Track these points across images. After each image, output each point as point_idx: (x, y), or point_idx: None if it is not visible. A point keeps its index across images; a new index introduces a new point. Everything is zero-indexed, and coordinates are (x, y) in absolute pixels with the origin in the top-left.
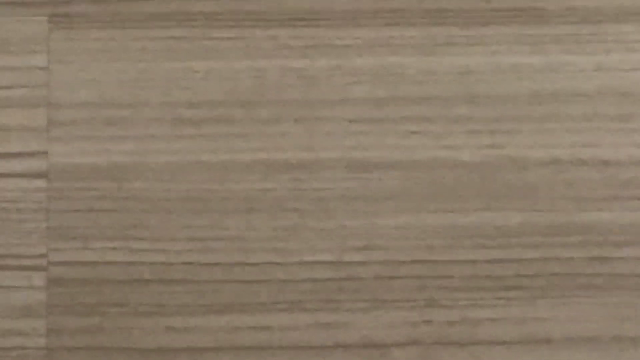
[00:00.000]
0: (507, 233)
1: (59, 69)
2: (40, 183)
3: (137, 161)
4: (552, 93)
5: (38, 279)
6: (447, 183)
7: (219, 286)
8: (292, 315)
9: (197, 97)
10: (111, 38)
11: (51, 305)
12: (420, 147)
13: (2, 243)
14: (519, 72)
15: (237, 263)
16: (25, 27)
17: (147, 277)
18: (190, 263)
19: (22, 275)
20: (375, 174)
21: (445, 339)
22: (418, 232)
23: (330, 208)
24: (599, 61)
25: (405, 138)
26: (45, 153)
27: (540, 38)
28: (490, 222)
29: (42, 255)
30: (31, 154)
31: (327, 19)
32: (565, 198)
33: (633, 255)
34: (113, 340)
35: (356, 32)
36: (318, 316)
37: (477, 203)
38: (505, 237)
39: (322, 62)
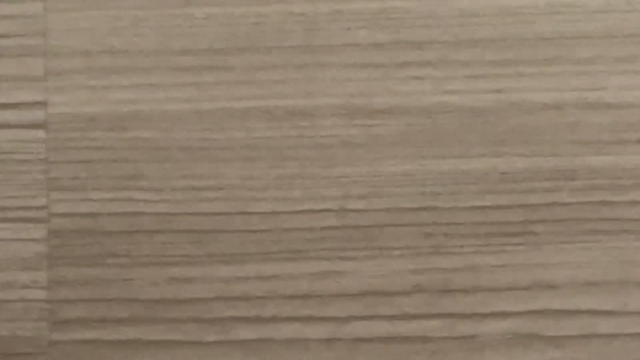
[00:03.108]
0: (512, 178)
1: (55, 17)
2: (39, 134)
3: (135, 110)
4: (556, 36)
5: (38, 231)
6: (451, 129)
7: (221, 236)
8: (295, 264)
9: (195, 44)
10: None
11: (52, 257)
12: (422, 93)
13: (1, 195)
14: (522, 14)
15: (238, 212)
16: None
17: (148, 227)
18: (191, 213)
19: (22, 228)
20: (378, 120)
21: (450, 286)
22: (421, 179)
23: (332, 155)
24: (603, 2)
25: (408, 83)
26: (43, 103)
27: None
28: (494, 167)
29: (42, 207)
30: (29, 105)
31: None
32: (571, 142)
33: (638, 199)
34: (115, 292)
35: None
36: (321, 265)
37: (481, 148)
38: (510, 182)
39: (323, 7)
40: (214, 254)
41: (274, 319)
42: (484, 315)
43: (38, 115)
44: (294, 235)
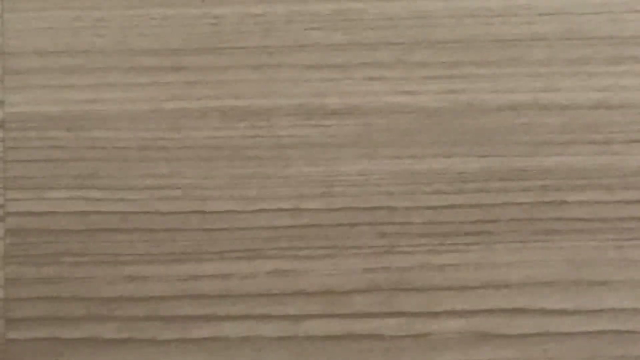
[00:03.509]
0: (466, 178)
1: (12, 17)
2: None
3: (93, 109)
4: (511, 37)
5: None
6: (406, 129)
7: (178, 235)
8: (251, 263)
9: (153, 44)
10: None
11: (9, 256)
12: (378, 93)
13: None
14: (478, 16)
15: (195, 211)
16: None
17: (105, 226)
18: (148, 212)
19: None
20: (334, 121)
21: (405, 285)
22: (377, 179)
23: (288, 155)
24: (558, 5)
25: (364, 84)
26: (1, 102)
27: None
28: (449, 167)
29: None
30: None
31: None
32: (524, 143)
33: (591, 199)
34: (72, 290)
35: None
36: (278, 264)
37: (436, 149)
38: (464, 182)
39: (280, 8)
40: (171, 253)
41: (229, 317)
42: (438, 314)
43: None
44: (250, 234)
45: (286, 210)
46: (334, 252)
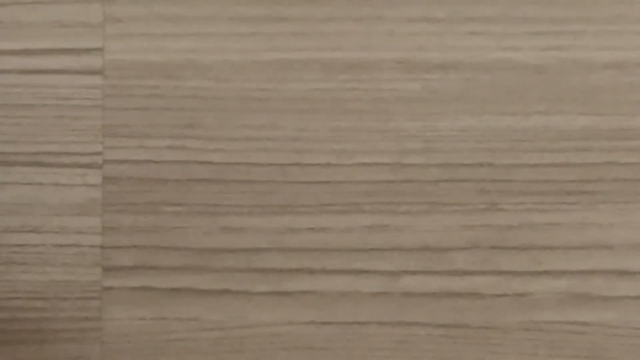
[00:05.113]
0: (570, 137)
1: None
2: (96, 80)
3: (193, 59)
4: None
5: (93, 177)
6: (509, 85)
7: (275, 187)
8: (349, 217)
9: None
10: None
11: (106, 204)
12: (482, 48)
13: (57, 140)
14: None
15: (293, 164)
16: None
17: (203, 176)
18: (246, 163)
19: (78, 173)
20: (436, 75)
21: (504, 243)
22: (479, 135)
23: (389, 109)
24: None
25: (467, 38)
26: (101, 49)
27: None
28: (552, 125)
29: (97, 153)
30: (86, 51)
31: None
32: (630, 101)
33: None
34: (168, 240)
35: None
36: (375, 218)
37: (539, 106)
38: (567, 140)
39: None
40: (268, 205)
41: (325, 272)
42: (538, 274)
43: (95, 61)
44: (348, 188)
45: (386, 164)
46: (433, 209)
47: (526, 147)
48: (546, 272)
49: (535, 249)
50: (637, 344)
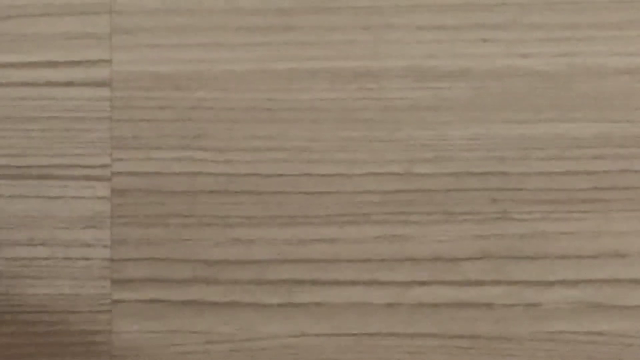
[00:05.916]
0: (582, 144)
1: None
2: (104, 92)
3: (201, 69)
4: None
5: (102, 190)
6: (520, 93)
7: (285, 198)
8: (359, 227)
9: (263, 4)
10: None
11: (115, 216)
12: (492, 56)
13: (65, 153)
14: None
15: (303, 174)
16: None
17: (211, 188)
18: (255, 174)
19: (86, 186)
20: (446, 83)
21: (516, 253)
22: (489, 143)
23: (399, 118)
24: None
25: (477, 46)
26: (108, 61)
27: None
28: (564, 132)
29: (105, 166)
30: (94, 62)
31: None
32: None
33: None
34: (177, 252)
35: None
36: (386, 229)
37: (550, 113)
38: (579, 148)
39: None
40: (277, 216)
41: (335, 283)
42: (550, 283)
43: (103, 73)
44: (358, 198)
45: (396, 174)
46: (444, 218)
47: (538, 155)
48: (559, 282)
49: (548, 258)
50: None
